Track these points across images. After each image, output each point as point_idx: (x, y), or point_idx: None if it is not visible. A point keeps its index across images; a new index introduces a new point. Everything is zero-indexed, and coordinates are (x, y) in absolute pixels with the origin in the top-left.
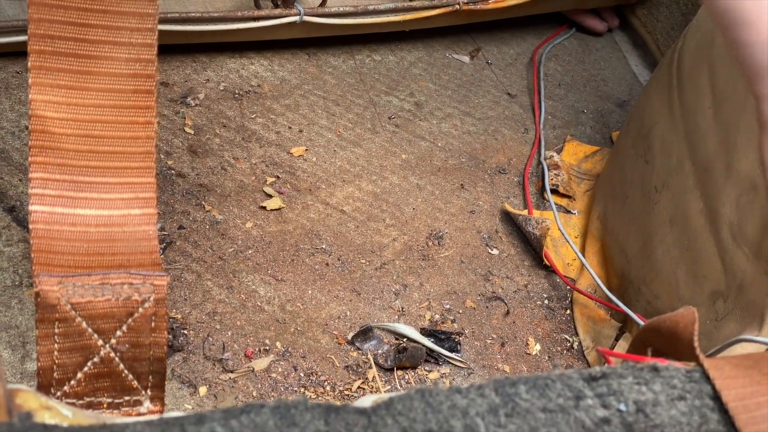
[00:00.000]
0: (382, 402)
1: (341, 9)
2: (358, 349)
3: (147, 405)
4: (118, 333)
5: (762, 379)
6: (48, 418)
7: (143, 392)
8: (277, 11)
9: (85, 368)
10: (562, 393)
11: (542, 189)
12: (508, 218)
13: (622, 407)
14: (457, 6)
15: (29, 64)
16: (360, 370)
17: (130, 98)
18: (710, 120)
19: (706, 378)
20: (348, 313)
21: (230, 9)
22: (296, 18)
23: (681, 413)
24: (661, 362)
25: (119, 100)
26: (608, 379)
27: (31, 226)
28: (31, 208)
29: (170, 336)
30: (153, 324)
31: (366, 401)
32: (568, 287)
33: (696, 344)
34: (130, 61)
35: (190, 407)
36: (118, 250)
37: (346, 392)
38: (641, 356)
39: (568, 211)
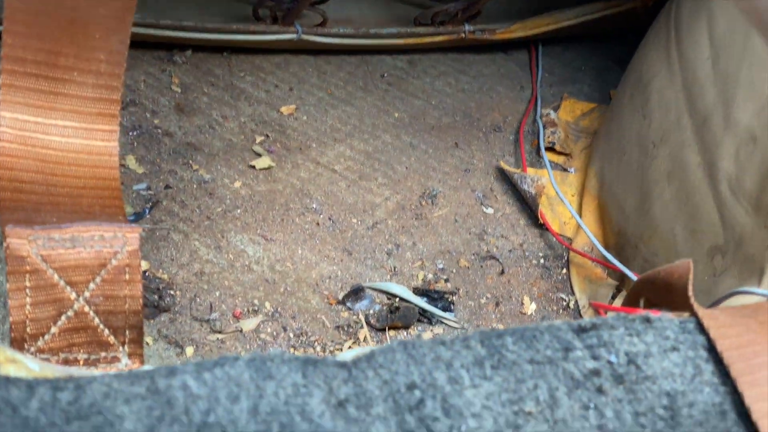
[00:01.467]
0: (363, 355)
1: (341, 31)
2: (350, 309)
3: (125, 362)
4: (92, 285)
5: (758, 328)
6: (13, 371)
7: (120, 348)
8: (275, 27)
9: (59, 322)
10: (551, 345)
11: (538, 147)
12: (503, 177)
13: (613, 359)
14: (463, 35)
15: (0, 81)
16: (351, 330)
17: (95, 120)
18: (708, 71)
19: (701, 328)
20: (339, 273)
21: (226, 17)
22: (293, 36)
23: (674, 364)
24: (654, 313)
25: (84, 122)
26: (599, 330)
27: None
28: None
29: (156, 296)
30: (127, 276)
31: (347, 355)
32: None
33: (690, 293)
34: (97, 87)
35: None
36: (82, 185)
37: (337, 352)
38: (634, 308)
39: (565, 169)
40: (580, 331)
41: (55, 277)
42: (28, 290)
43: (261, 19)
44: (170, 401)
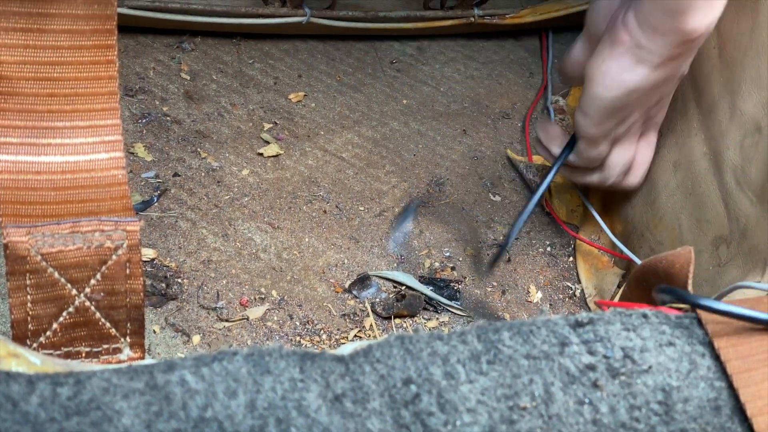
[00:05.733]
0: (361, 349)
1: (350, 14)
2: (356, 297)
3: (127, 352)
4: (93, 282)
5: (757, 324)
6: (14, 366)
7: (122, 339)
8: (283, 10)
9: (61, 318)
10: (547, 339)
11: None
12: (511, 164)
13: (609, 353)
14: (472, 19)
15: None
16: (357, 318)
17: (89, 38)
18: (715, 60)
19: (698, 323)
20: (346, 261)
21: (236, 2)
22: (302, 19)
23: (670, 359)
24: (654, 308)
25: (78, 40)
26: (595, 326)
27: None
28: None
29: (164, 284)
30: (128, 271)
31: (346, 349)
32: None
33: (690, 287)
34: (88, 2)
35: (183, 356)
36: (86, 197)
37: (343, 341)
38: (637, 303)
39: None
40: (577, 325)
41: (56, 275)
42: (28, 288)
43: (270, 3)
44: (168, 396)
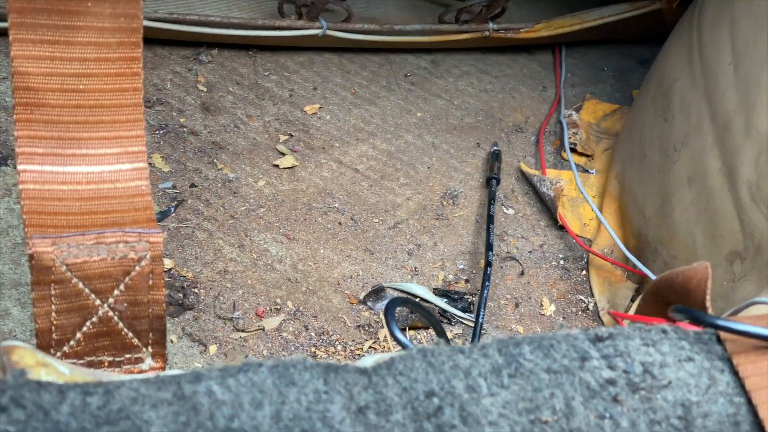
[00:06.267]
0: (383, 362)
1: (366, 27)
2: (370, 308)
3: (148, 362)
4: (116, 292)
5: None
6: (44, 375)
7: (144, 349)
8: (300, 23)
9: (84, 328)
10: (567, 354)
11: (560, 148)
12: (524, 177)
13: (629, 368)
14: (487, 33)
15: (9, 21)
16: (371, 330)
17: (115, 51)
18: (730, 77)
19: (717, 339)
20: (360, 272)
21: (253, 14)
22: (318, 31)
23: (689, 374)
24: (670, 323)
25: (104, 53)
26: (615, 340)
27: (20, 186)
28: (19, 167)
29: (181, 294)
30: (151, 282)
31: (367, 361)
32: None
33: (708, 304)
34: (114, 15)
35: (199, 365)
36: (110, 207)
37: (358, 352)
38: (651, 318)
39: (586, 171)
40: (597, 340)
41: (80, 285)
42: (53, 299)
43: (286, 16)
44: (196, 407)
